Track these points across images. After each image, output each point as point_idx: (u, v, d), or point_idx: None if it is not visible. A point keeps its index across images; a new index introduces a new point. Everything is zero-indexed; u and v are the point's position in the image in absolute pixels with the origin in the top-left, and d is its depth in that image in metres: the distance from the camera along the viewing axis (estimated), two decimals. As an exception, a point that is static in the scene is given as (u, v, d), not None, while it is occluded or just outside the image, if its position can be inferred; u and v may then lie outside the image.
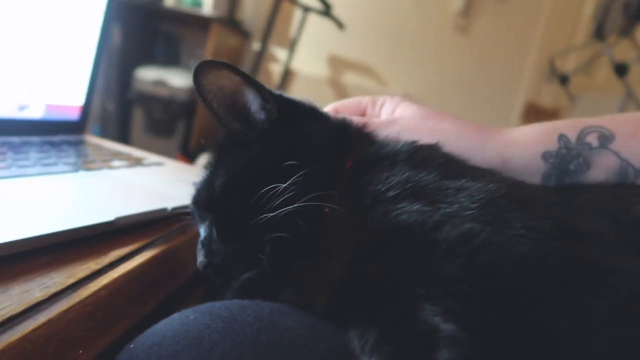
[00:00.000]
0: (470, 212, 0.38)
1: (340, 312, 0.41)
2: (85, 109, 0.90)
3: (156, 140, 3.02)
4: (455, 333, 0.32)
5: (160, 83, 2.89)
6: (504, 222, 0.37)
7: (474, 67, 3.30)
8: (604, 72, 3.01)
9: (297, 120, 0.52)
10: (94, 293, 0.44)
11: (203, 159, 2.96)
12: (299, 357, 0.36)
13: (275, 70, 3.41)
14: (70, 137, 0.88)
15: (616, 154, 0.50)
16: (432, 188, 0.41)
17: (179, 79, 2.91)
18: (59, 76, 0.84)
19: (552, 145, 0.52)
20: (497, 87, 3.32)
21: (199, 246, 0.51)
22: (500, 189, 0.40)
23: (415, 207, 0.39)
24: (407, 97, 0.62)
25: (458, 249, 0.35)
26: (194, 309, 0.42)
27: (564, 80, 3.00)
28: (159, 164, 0.86)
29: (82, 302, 0.42)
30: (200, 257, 0.50)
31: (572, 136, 0.52)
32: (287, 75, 3.31)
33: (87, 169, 0.71)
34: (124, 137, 2.93)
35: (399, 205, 0.40)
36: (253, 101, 0.52)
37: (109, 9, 0.87)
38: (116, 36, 2.81)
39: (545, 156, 0.53)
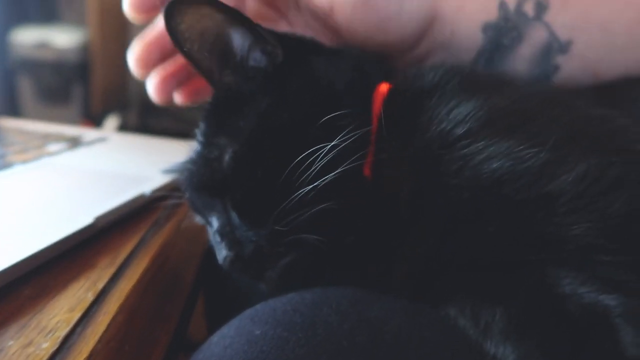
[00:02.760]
0: (575, 143, 0.32)
1: (424, 288, 0.35)
2: (-9, 86, 0.73)
3: (52, 109, 2.70)
4: (630, 306, 0.27)
5: (43, 45, 2.54)
6: (625, 149, 0.31)
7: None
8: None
9: (304, 60, 0.42)
10: (112, 321, 0.34)
11: (110, 123, 2.70)
12: (410, 354, 0.30)
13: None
14: (-21, 125, 0.72)
15: (547, 26, 0.47)
16: (513, 117, 0.34)
17: (64, 38, 2.57)
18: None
19: (493, 14, 0.47)
20: None
21: (217, 238, 0.40)
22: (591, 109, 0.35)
23: (503, 146, 0.32)
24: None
25: (583, 200, 0.29)
26: (249, 317, 0.34)
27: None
28: (101, 139, 0.72)
29: (103, 339, 0.32)
30: (224, 252, 0.39)
31: (512, 5, 0.47)
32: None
33: (24, 161, 0.57)
34: (13, 111, 2.58)
35: (480, 147, 0.32)
36: (247, 44, 0.41)
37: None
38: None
39: (485, 28, 0.48)
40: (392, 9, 0.45)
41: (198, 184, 0.42)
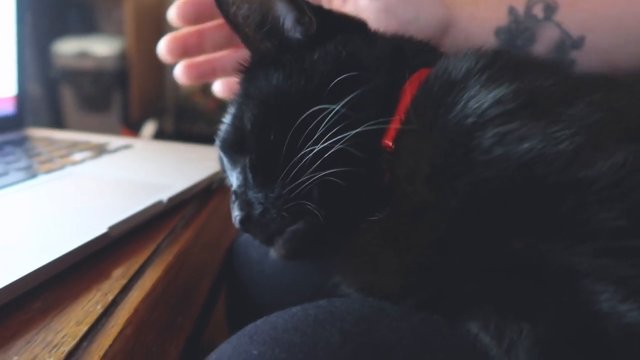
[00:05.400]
0: (615, 128, 0.29)
1: (442, 295, 0.32)
2: (21, 98, 0.75)
3: (93, 117, 2.78)
4: None
5: (83, 55, 2.62)
6: None
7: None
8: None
9: (335, 34, 0.42)
10: (120, 334, 0.34)
11: (148, 128, 2.76)
12: None
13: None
14: (11, 136, 0.73)
15: (558, 25, 0.51)
16: (552, 99, 0.32)
17: (103, 47, 2.65)
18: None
19: (503, 19, 0.52)
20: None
21: (232, 198, 0.42)
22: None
23: (538, 127, 0.29)
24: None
25: (618, 189, 0.26)
26: (249, 335, 0.32)
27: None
28: (126, 147, 0.73)
29: (109, 354, 0.32)
30: (236, 211, 0.41)
31: (521, 9, 0.52)
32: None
33: (47, 171, 0.58)
34: (56, 120, 2.67)
35: (514, 127, 0.30)
36: (286, 15, 0.43)
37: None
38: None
39: (498, 32, 0.53)
40: (410, 15, 0.51)
41: (225, 142, 0.44)
